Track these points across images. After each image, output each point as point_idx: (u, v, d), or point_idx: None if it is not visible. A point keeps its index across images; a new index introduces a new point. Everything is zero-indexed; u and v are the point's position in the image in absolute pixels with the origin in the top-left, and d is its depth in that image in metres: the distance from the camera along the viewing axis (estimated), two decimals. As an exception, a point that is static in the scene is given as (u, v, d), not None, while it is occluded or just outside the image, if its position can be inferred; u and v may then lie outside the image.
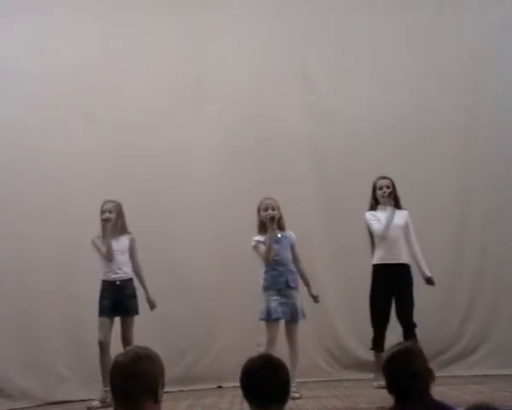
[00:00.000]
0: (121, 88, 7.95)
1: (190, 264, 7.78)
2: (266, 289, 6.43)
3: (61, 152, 7.74)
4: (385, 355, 3.08)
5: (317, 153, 8.25)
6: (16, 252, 7.50)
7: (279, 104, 8.14)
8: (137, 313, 6.75)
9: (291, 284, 6.43)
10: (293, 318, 6.40)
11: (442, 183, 8.09)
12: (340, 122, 8.22)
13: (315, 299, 6.62)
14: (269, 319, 6.34)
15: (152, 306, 6.89)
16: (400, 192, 7.00)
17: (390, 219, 6.75)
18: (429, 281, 6.91)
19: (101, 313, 6.65)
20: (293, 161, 8.06)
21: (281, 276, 6.42)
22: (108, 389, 6.26)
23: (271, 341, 6.28)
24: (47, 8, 7.89)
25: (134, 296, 6.77)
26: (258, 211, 6.55)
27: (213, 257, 7.76)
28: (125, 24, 8.08)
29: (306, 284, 6.61)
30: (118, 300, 6.66)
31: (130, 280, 6.78)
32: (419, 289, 6.88)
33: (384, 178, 6.92)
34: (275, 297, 6.36)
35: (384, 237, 6.77)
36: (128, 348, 2.86)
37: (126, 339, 6.58)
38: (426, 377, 2.95)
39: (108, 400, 6.40)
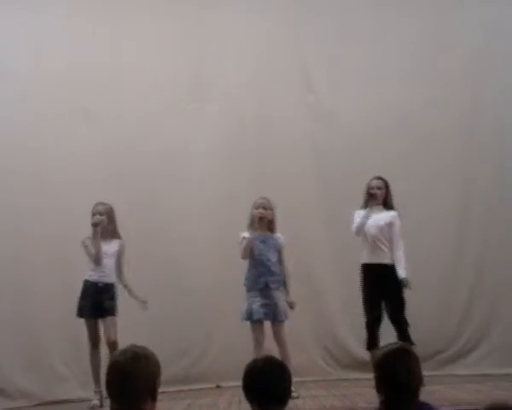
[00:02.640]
0: (121, 87, 7.96)
1: (189, 263, 7.78)
2: (249, 289, 6.44)
3: (61, 151, 7.75)
4: (380, 352, 3.09)
5: (317, 153, 8.24)
6: (16, 252, 7.51)
7: (279, 104, 8.15)
8: (114, 315, 6.64)
9: (270, 285, 6.40)
10: (274, 318, 6.38)
11: (442, 183, 8.08)
12: (339, 122, 8.21)
13: (290, 305, 6.53)
14: (250, 320, 6.35)
15: (143, 304, 6.72)
16: (400, 192, 7.00)
17: (363, 219, 6.76)
18: (402, 283, 6.76)
19: (81, 314, 6.64)
20: (292, 161, 8.06)
21: (261, 276, 6.41)
22: (100, 390, 6.36)
23: (257, 342, 6.28)
24: (46, 8, 7.90)
25: (112, 299, 6.68)
26: (252, 209, 6.56)
27: (213, 257, 7.76)
28: (125, 23, 8.08)
29: (286, 289, 6.56)
30: (97, 302, 6.61)
31: (113, 285, 6.72)
32: (419, 289, 6.88)
33: (377, 178, 6.91)
34: (257, 298, 6.36)
35: (362, 236, 6.80)
36: (124, 347, 2.85)
37: (110, 341, 6.48)
38: (418, 378, 2.96)
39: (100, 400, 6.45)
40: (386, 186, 6.89)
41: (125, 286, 6.80)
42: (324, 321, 7.93)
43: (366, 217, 6.76)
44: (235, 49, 8.20)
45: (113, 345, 6.39)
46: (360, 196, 7.06)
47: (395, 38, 8.30)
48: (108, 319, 6.60)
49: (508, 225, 8.07)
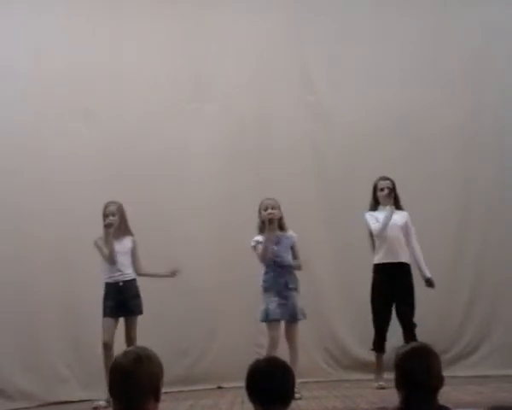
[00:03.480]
0: (121, 87, 7.95)
1: (190, 263, 7.73)
2: (266, 290, 6.45)
3: (61, 151, 7.73)
4: (401, 350, 3.08)
5: (317, 153, 8.25)
6: (16, 252, 7.49)
7: (279, 104, 8.14)
8: (141, 313, 6.74)
9: (290, 286, 6.44)
10: (292, 318, 6.41)
11: (442, 183, 8.09)
12: (339, 122, 8.21)
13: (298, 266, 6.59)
14: (267, 320, 6.37)
15: (174, 272, 6.88)
16: (400, 192, 7.02)
17: (388, 219, 6.78)
18: (429, 282, 6.92)
19: (106, 314, 6.65)
20: (292, 161, 8.06)
21: (280, 277, 6.43)
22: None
23: (273, 342, 6.30)
24: (46, 8, 7.88)
25: (137, 296, 6.75)
26: (260, 211, 6.56)
27: (213, 257, 7.76)
28: (125, 23, 8.07)
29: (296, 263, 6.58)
30: (122, 301, 6.65)
31: (134, 281, 6.78)
32: (419, 290, 6.89)
33: (385, 179, 6.94)
34: (274, 298, 6.38)
35: (383, 236, 6.80)
36: (127, 349, 2.85)
37: (130, 339, 6.59)
38: (438, 378, 2.97)
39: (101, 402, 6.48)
40: (394, 186, 6.91)
41: (148, 275, 6.85)
42: (324, 322, 7.93)
43: (390, 216, 6.77)
44: (235, 49, 8.20)
45: (132, 343, 6.45)
46: (360, 197, 7.09)
47: (395, 38, 8.29)
48: (133, 318, 6.67)
49: (508, 225, 8.08)
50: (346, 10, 8.34)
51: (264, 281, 6.47)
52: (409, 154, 8.10)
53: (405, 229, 6.91)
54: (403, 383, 2.96)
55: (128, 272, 6.76)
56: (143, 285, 7.07)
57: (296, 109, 8.21)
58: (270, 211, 6.48)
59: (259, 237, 6.49)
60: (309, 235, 7.81)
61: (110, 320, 6.63)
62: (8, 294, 7.39)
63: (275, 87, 8.17)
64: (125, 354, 2.77)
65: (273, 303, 6.36)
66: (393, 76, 8.24)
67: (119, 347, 6.14)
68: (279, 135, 8.12)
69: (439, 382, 2.96)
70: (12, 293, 7.42)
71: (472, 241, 8.12)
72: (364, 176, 7.32)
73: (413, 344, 3.12)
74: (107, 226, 6.63)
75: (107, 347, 6.53)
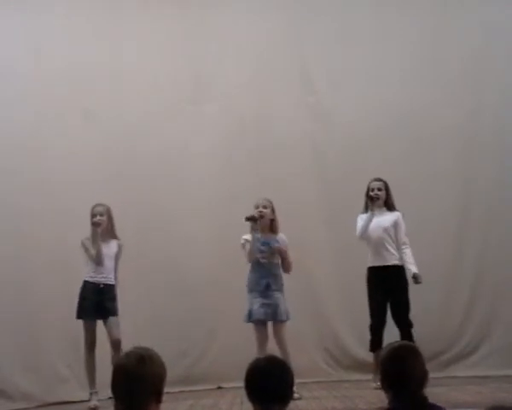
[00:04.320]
0: (121, 87, 7.96)
1: (190, 263, 7.78)
2: (250, 290, 6.49)
3: (61, 151, 7.73)
4: (383, 352, 3.10)
5: (317, 153, 8.25)
6: (16, 252, 7.49)
7: (279, 104, 8.15)
8: (116, 315, 6.68)
9: (272, 287, 6.43)
10: (275, 318, 6.41)
11: (442, 183, 8.08)
12: (339, 122, 8.22)
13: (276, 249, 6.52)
14: (250, 320, 6.40)
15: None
16: (400, 192, 7.02)
17: (366, 222, 6.81)
18: (415, 278, 6.82)
19: (83, 315, 6.65)
20: (292, 161, 8.06)
21: (262, 278, 6.44)
22: (96, 391, 6.37)
23: (259, 342, 6.33)
24: (46, 8, 7.89)
25: (114, 299, 6.72)
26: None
27: (213, 257, 7.75)
28: (125, 23, 8.08)
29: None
30: (99, 302, 6.63)
31: (113, 286, 6.76)
32: (419, 290, 6.88)
33: (377, 180, 6.94)
34: (257, 299, 6.40)
35: (367, 238, 6.83)
36: (129, 349, 2.84)
37: (114, 340, 6.54)
38: (422, 376, 2.96)
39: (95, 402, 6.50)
40: (386, 187, 6.91)
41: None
42: (324, 322, 7.93)
43: (369, 220, 6.78)
44: (235, 49, 8.21)
45: (117, 344, 6.46)
46: (360, 197, 7.08)
47: (395, 38, 8.30)
48: (111, 319, 6.63)
49: (508, 225, 8.07)
50: (346, 10, 8.34)
51: (248, 280, 6.50)
52: (409, 154, 8.10)
53: (393, 230, 6.88)
54: (388, 384, 2.97)
55: (111, 277, 6.75)
56: (144, 284, 7.09)
57: (296, 109, 8.21)
58: (260, 209, 6.48)
59: (248, 236, 6.48)
60: (309, 235, 7.84)
61: (89, 322, 6.64)
62: (8, 294, 7.39)
63: (275, 87, 8.17)
64: (128, 354, 2.75)
65: (256, 304, 6.38)
66: (393, 76, 8.24)
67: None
68: (279, 135, 8.12)
69: (423, 379, 2.96)
70: (12, 293, 7.42)
71: (472, 241, 8.11)
72: (364, 176, 7.30)
73: (394, 345, 3.11)
74: (94, 225, 6.62)
75: (91, 348, 6.60)
